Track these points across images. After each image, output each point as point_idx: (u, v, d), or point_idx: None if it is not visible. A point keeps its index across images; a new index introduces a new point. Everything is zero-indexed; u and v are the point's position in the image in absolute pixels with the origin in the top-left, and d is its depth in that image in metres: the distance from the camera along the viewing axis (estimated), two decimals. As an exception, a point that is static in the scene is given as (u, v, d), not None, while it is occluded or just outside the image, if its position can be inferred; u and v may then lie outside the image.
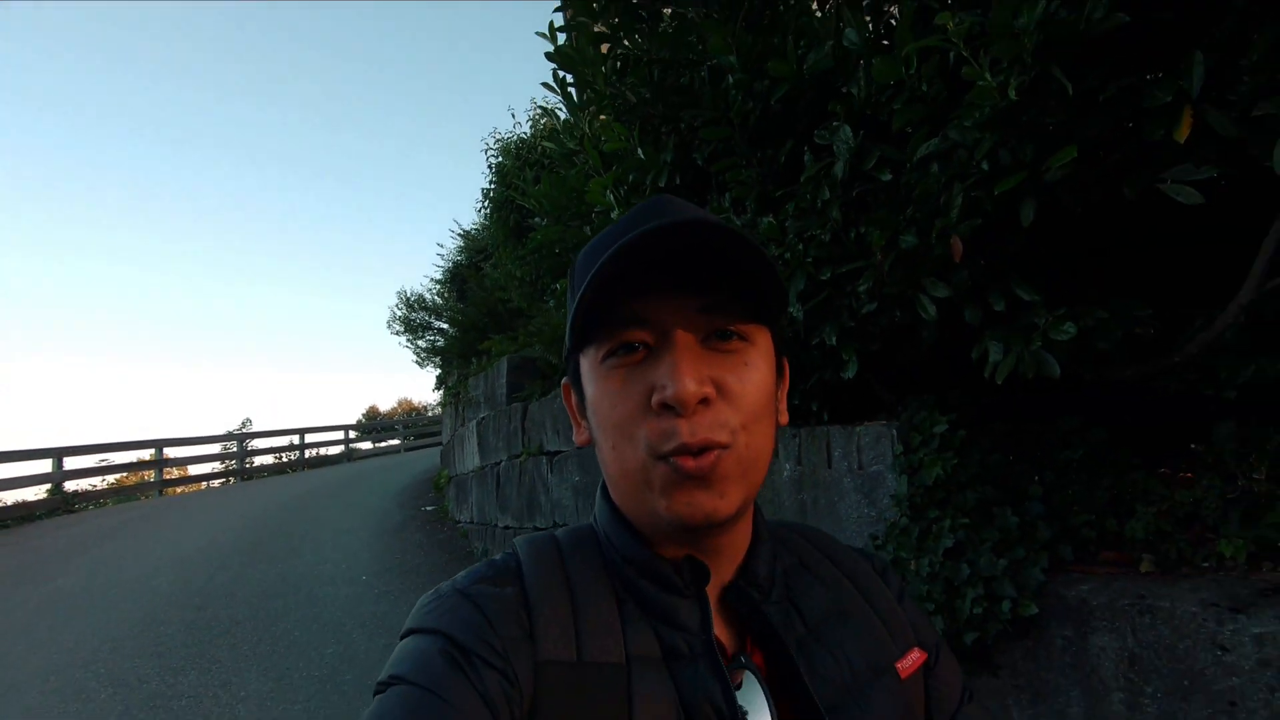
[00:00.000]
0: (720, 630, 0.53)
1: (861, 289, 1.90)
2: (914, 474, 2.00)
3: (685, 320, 0.48)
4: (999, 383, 1.78)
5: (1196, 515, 1.93)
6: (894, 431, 2.12)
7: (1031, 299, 1.76)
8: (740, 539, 0.55)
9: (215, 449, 14.51)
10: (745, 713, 0.48)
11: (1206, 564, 1.80)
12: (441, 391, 9.43)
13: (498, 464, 5.78)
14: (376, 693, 0.46)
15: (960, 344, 1.90)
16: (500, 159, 6.51)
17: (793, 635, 0.53)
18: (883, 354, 2.19)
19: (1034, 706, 1.79)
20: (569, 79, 3.02)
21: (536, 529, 4.97)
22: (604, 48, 2.80)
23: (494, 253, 6.92)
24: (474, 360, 6.99)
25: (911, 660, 0.57)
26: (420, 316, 9.10)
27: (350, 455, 17.18)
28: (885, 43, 2.02)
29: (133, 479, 12.72)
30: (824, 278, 1.97)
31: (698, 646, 0.49)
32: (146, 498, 11.77)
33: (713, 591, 0.53)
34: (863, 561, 0.65)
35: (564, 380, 0.58)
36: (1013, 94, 1.53)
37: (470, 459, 6.75)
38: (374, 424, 22.20)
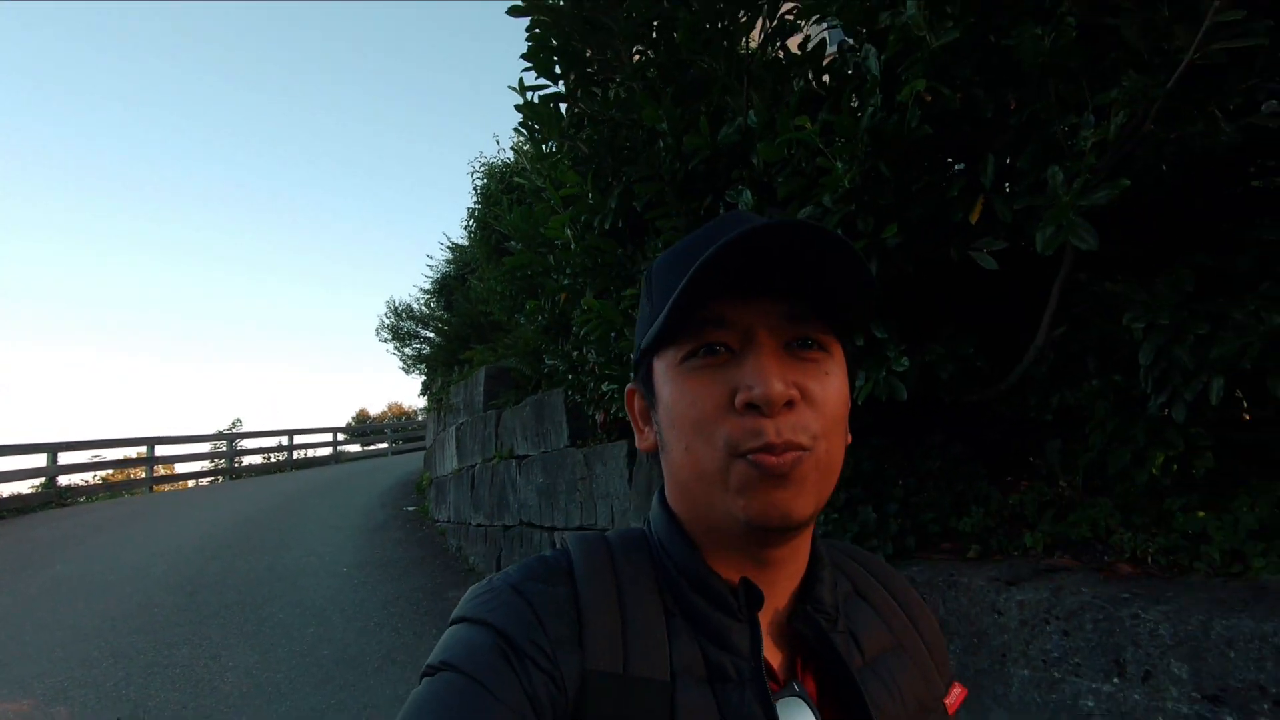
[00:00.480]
0: (771, 653, 0.52)
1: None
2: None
3: (769, 325, 0.49)
4: (859, 404, 2.23)
5: (1020, 514, 2.39)
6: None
7: (883, 337, 2.21)
8: (800, 560, 0.54)
9: (205, 448, 14.81)
10: None
11: (1015, 552, 2.25)
12: (426, 397, 9.83)
13: (473, 466, 6.20)
14: (425, 674, 0.47)
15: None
16: (484, 181, 6.96)
17: (854, 666, 0.53)
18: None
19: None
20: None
21: (505, 526, 5.38)
22: (565, 105, 3.25)
23: (477, 268, 7.36)
24: (456, 368, 7.42)
25: (955, 695, 0.58)
26: (408, 325, 9.53)
27: (338, 457, 17.51)
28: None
29: (123, 476, 13.02)
30: None
31: (745, 671, 0.49)
32: (137, 494, 12.07)
33: (767, 616, 0.53)
34: (913, 590, 0.64)
35: (629, 386, 0.58)
36: (847, 182, 1.99)
37: (449, 462, 7.17)
38: (362, 427, 22.47)
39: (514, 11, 2.93)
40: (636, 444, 0.57)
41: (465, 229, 8.27)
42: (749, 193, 2.45)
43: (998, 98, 1.99)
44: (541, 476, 4.82)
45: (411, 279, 16.07)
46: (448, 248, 9.68)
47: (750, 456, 0.46)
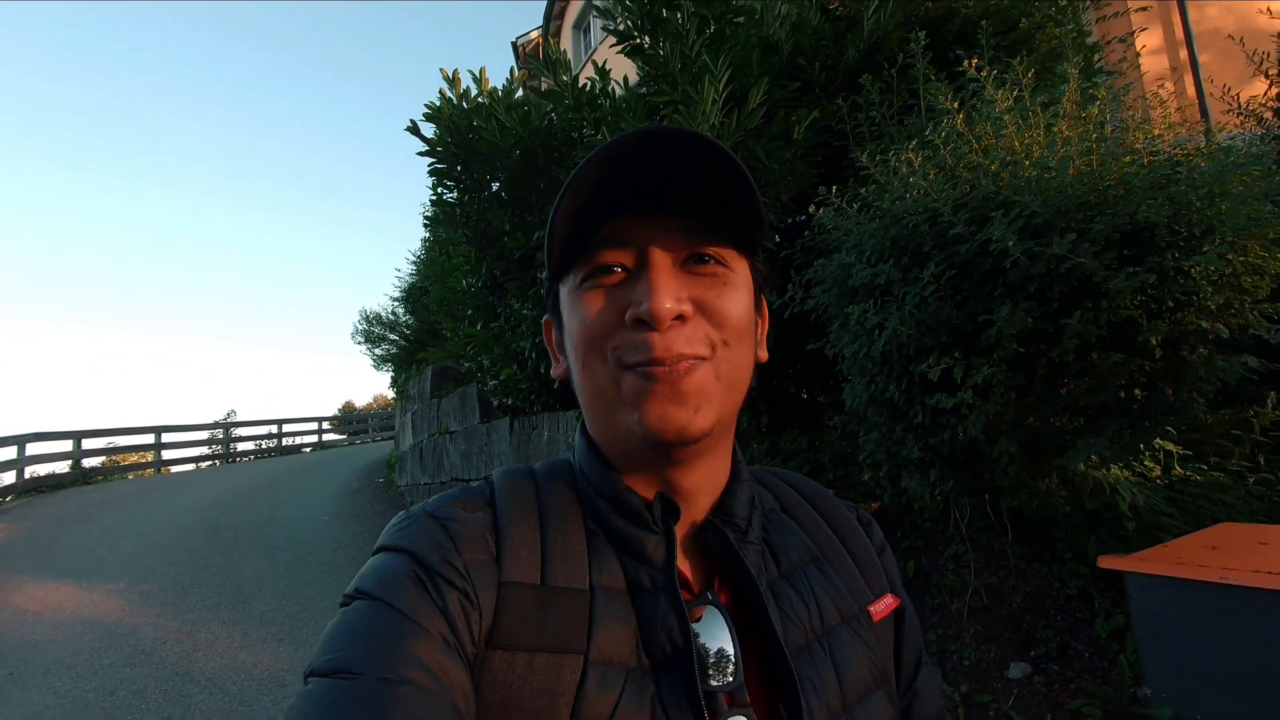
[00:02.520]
0: (688, 567, 0.54)
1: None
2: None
3: (663, 241, 0.49)
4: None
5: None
6: (578, 414, 4.57)
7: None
8: (716, 475, 0.55)
9: (204, 435, 16.66)
10: (703, 645, 0.49)
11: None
12: (394, 390, 11.80)
13: (422, 441, 8.19)
14: (342, 605, 0.47)
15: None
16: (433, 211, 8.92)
17: (764, 578, 0.54)
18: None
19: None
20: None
21: (441, 483, 7.38)
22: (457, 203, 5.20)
23: (430, 286, 9.31)
24: (414, 366, 9.40)
25: (885, 605, 0.58)
26: (378, 330, 11.47)
27: (324, 445, 19.41)
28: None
29: (134, 459, 14.88)
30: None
31: (660, 580, 0.50)
32: (147, 474, 13.94)
33: (683, 528, 0.54)
34: (845, 510, 0.65)
35: (546, 317, 0.60)
36: None
37: (407, 440, 9.16)
38: (347, 416, 24.30)
39: (422, 153, 4.91)
40: (552, 372, 0.59)
41: (424, 246, 10.20)
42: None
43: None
44: (464, 444, 6.82)
45: (390, 280, 18.03)
46: (412, 261, 11.60)
47: (639, 369, 0.47)
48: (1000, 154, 2.20)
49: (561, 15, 15.96)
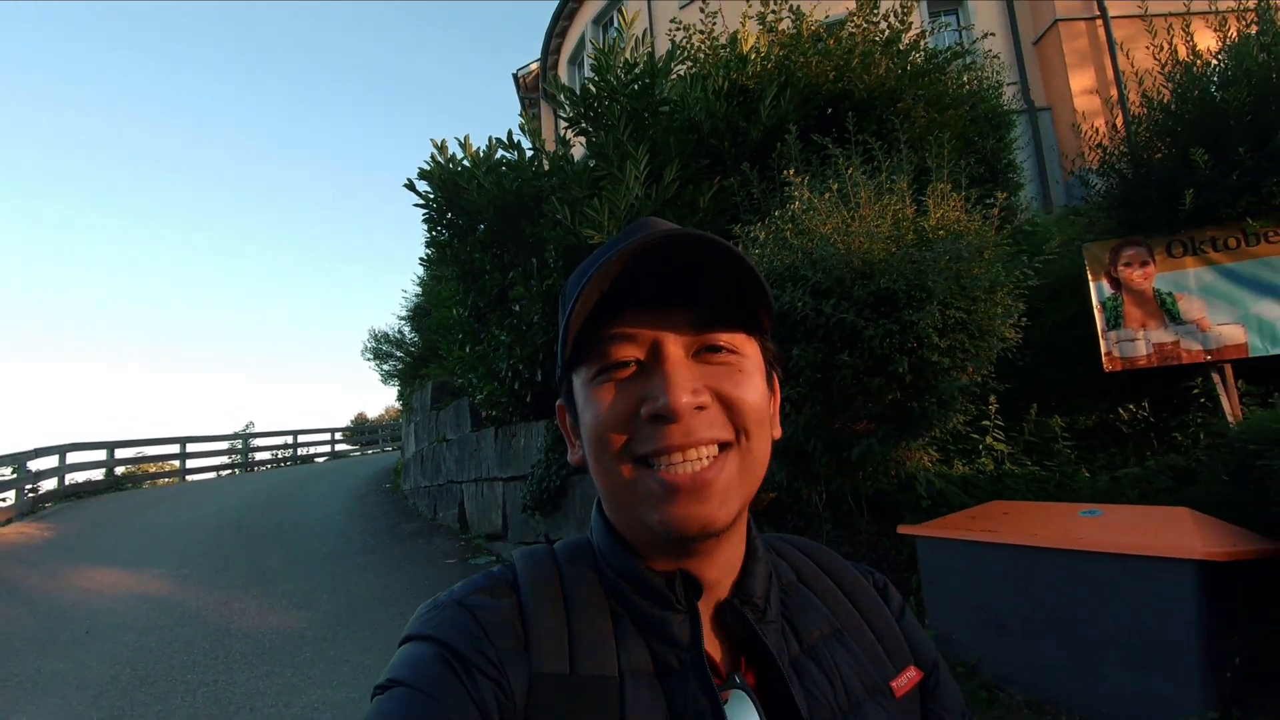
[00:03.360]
0: (714, 648, 0.53)
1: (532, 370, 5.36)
2: (554, 441, 5.40)
3: (675, 333, 0.49)
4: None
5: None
6: (547, 424, 5.51)
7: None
8: (734, 553, 0.55)
9: (224, 446, 17.71)
10: None
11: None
12: (400, 403, 12.79)
13: (423, 449, 9.15)
14: (374, 695, 0.47)
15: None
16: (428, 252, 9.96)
17: (787, 656, 0.53)
18: (544, 393, 5.60)
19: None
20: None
21: (439, 485, 8.33)
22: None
23: (431, 308, 10.32)
24: (417, 381, 10.38)
25: (907, 679, 0.57)
26: (385, 348, 12.48)
27: (336, 454, 20.44)
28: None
29: (160, 468, 15.95)
30: (539, 350, 5.38)
31: (688, 661, 0.49)
32: (173, 482, 14.99)
33: (706, 608, 0.53)
34: (862, 579, 0.64)
35: (559, 401, 0.59)
36: (534, 371, 4.97)
37: (410, 448, 10.12)
38: (359, 428, 25.37)
39: (417, 204, 5.88)
40: (569, 458, 0.58)
41: (426, 272, 11.21)
42: (528, 307, 5.41)
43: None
44: (458, 451, 7.77)
45: (399, 302, 19.10)
46: (417, 283, 12.63)
47: (660, 474, 0.47)
48: (806, 235, 3.13)
49: (558, 50, 17.03)
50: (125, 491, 13.04)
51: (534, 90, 19.40)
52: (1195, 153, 3.58)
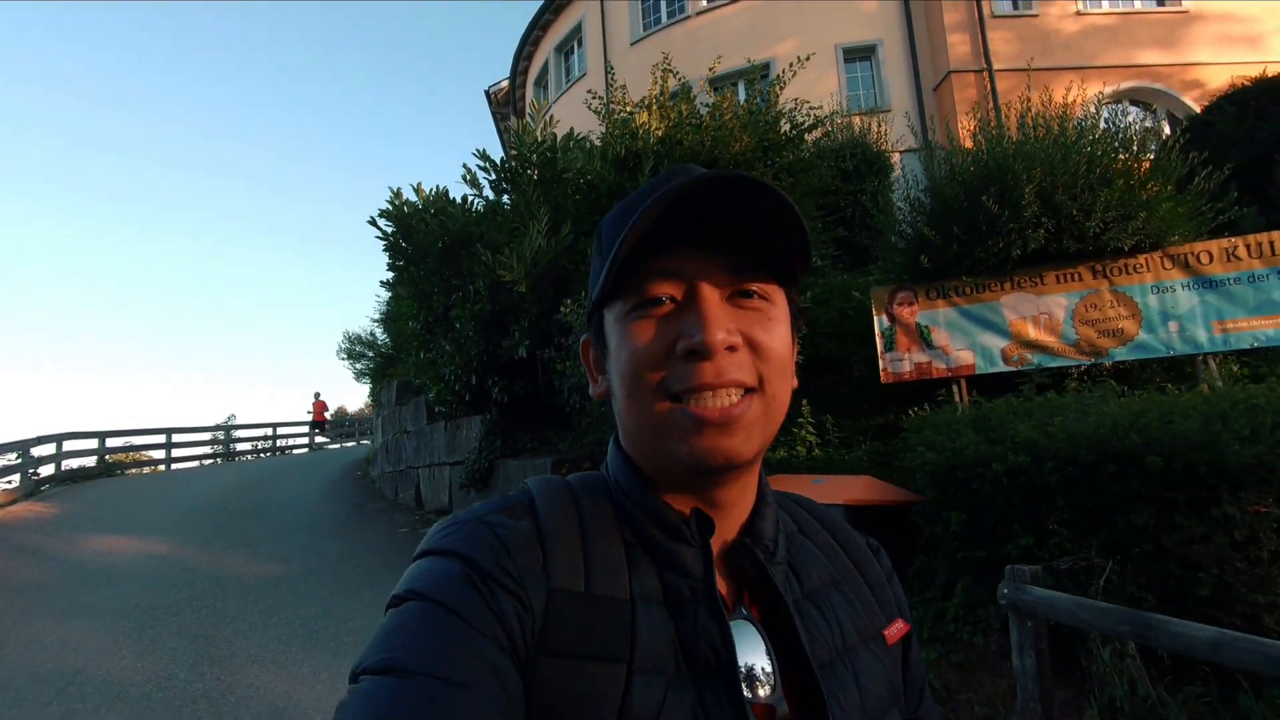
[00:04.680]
0: (720, 584, 0.54)
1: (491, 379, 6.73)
2: (486, 431, 6.76)
3: (712, 276, 0.51)
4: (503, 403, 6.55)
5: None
6: (482, 418, 6.87)
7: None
8: (747, 496, 0.57)
9: (207, 436, 18.81)
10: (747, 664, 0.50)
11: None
12: (371, 399, 14.05)
13: (388, 439, 10.44)
14: (390, 606, 0.48)
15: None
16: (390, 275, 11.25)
17: (790, 596, 0.56)
18: (479, 392, 6.96)
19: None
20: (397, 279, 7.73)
21: (400, 470, 9.62)
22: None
23: (395, 319, 11.60)
24: (384, 379, 11.66)
25: (897, 629, 0.61)
26: (359, 348, 13.72)
27: (315, 446, 21.58)
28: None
29: (147, 456, 17.04)
30: (472, 360, 6.73)
31: (699, 592, 0.51)
32: (159, 470, 16.10)
33: (716, 546, 0.55)
34: (857, 536, 0.68)
35: (584, 337, 0.61)
36: (470, 376, 6.34)
37: (378, 439, 11.41)
38: (339, 421, 26.48)
39: (379, 237, 7.18)
40: (591, 391, 0.59)
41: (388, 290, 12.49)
42: (468, 325, 6.74)
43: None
44: (415, 441, 9.09)
45: (373, 304, 20.33)
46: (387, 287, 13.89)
47: (690, 407, 0.49)
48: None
49: (525, 72, 18.28)
50: (115, 477, 14.17)
51: (505, 105, 20.65)
52: (926, 229, 5.01)
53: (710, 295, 0.51)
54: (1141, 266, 4.94)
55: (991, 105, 11.87)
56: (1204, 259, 4.85)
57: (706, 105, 6.48)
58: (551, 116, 6.23)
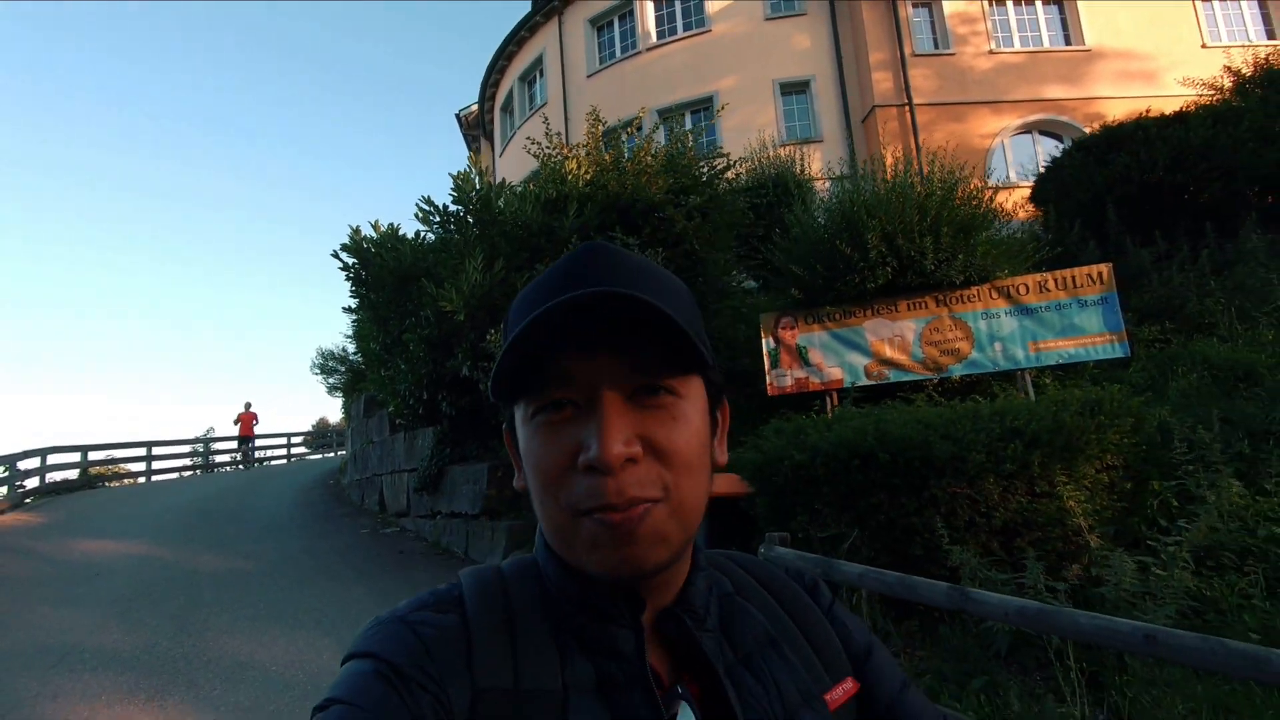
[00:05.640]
0: (657, 659, 0.54)
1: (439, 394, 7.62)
2: (437, 440, 7.64)
3: (612, 378, 0.49)
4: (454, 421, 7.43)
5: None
6: (434, 429, 7.74)
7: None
8: (678, 572, 0.56)
9: (186, 449, 19.42)
10: None
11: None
12: (344, 412, 14.84)
13: (356, 449, 11.25)
14: (314, 713, 0.47)
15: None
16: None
17: (723, 664, 0.54)
18: (430, 406, 7.84)
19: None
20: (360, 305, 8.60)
21: (366, 478, 10.43)
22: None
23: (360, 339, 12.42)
24: (355, 393, 12.47)
25: (842, 691, 0.59)
26: (331, 364, 14.51)
27: (293, 457, 22.23)
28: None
29: (127, 469, 17.65)
30: (423, 378, 7.62)
31: (633, 675, 0.51)
32: (139, 481, 16.72)
33: (649, 619, 0.54)
34: (794, 584, 0.66)
35: (505, 426, 0.59)
36: (422, 392, 7.23)
37: (349, 449, 12.20)
38: (319, 432, 27.10)
39: (341, 268, 8.05)
40: (514, 483, 0.58)
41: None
42: (419, 349, 7.64)
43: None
44: (380, 451, 9.92)
45: (347, 321, 21.09)
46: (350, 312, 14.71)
47: (595, 515, 0.48)
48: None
49: (493, 97, 19.22)
50: (97, 489, 14.81)
51: (474, 128, 21.58)
52: (794, 267, 5.97)
53: (611, 401, 0.49)
54: (974, 296, 5.93)
55: (902, 144, 12.94)
56: (1022, 290, 5.85)
57: (639, 142, 7.42)
58: (487, 167, 7.14)
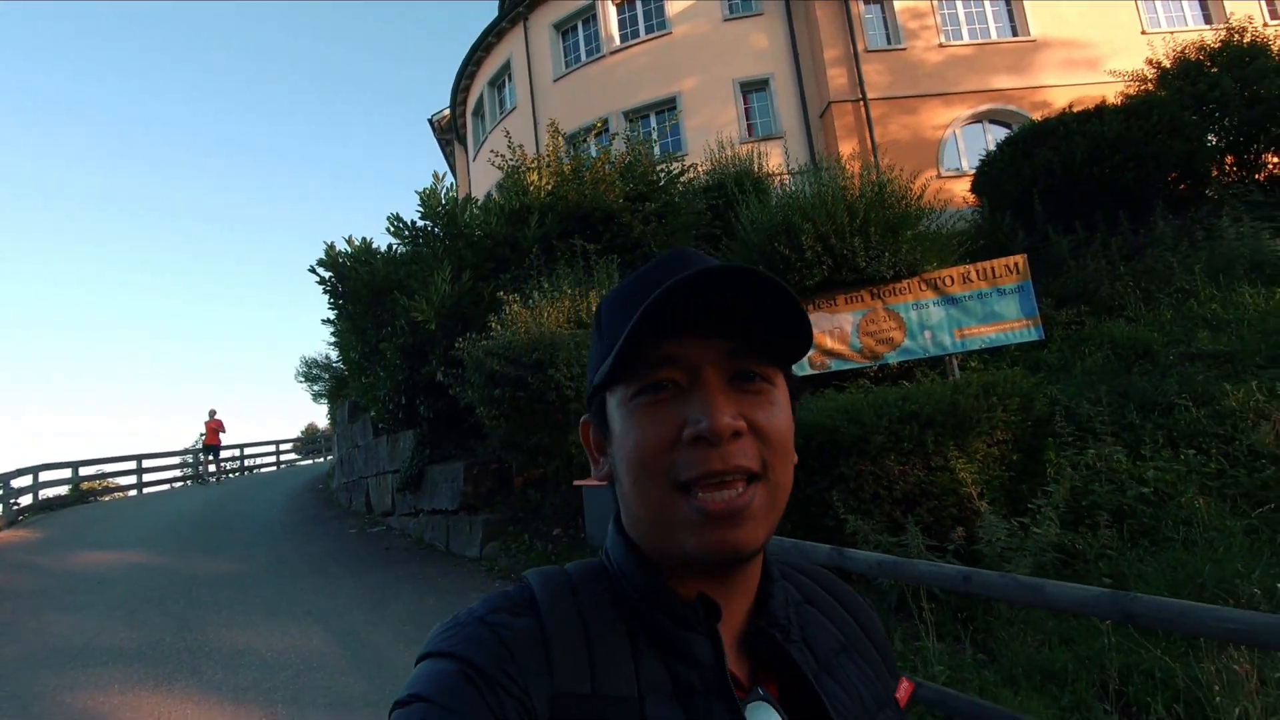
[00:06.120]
0: (735, 665, 0.54)
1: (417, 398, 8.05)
2: (417, 442, 8.08)
3: (715, 361, 0.51)
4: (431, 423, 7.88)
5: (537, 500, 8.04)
6: (414, 431, 8.18)
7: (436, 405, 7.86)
8: (753, 575, 0.57)
9: (176, 460, 19.69)
10: None
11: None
12: (329, 418, 15.22)
13: (343, 453, 11.65)
14: (394, 709, 0.48)
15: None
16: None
17: (809, 672, 0.55)
18: (409, 410, 8.28)
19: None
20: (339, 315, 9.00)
21: (352, 480, 10.85)
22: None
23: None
24: (339, 399, 12.86)
25: (904, 689, 0.62)
26: (316, 371, 14.87)
27: (282, 464, 22.55)
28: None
29: (116, 484, 17.93)
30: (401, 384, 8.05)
31: (711, 681, 0.51)
32: (130, 494, 17.02)
33: (725, 630, 0.54)
34: (855, 594, 0.68)
35: (584, 418, 0.60)
36: (400, 397, 7.67)
37: (335, 454, 12.59)
38: (309, 438, 27.41)
39: (319, 281, 8.45)
40: (594, 474, 0.59)
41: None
42: (392, 354, 8.06)
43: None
44: (365, 454, 10.33)
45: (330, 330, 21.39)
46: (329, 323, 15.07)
47: (696, 500, 0.49)
48: (507, 328, 5.85)
49: (464, 102, 19.49)
50: (89, 504, 15.11)
51: (447, 132, 21.85)
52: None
53: (714, 380, 0.51)
54: (905, 289, 6.43)
55: (858, 137, 13.40)
56: (948, 282, 6.36)
57: (597, 151, 7.86)
58: (454, 184, 7.56)
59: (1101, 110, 7.56)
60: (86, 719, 3.96)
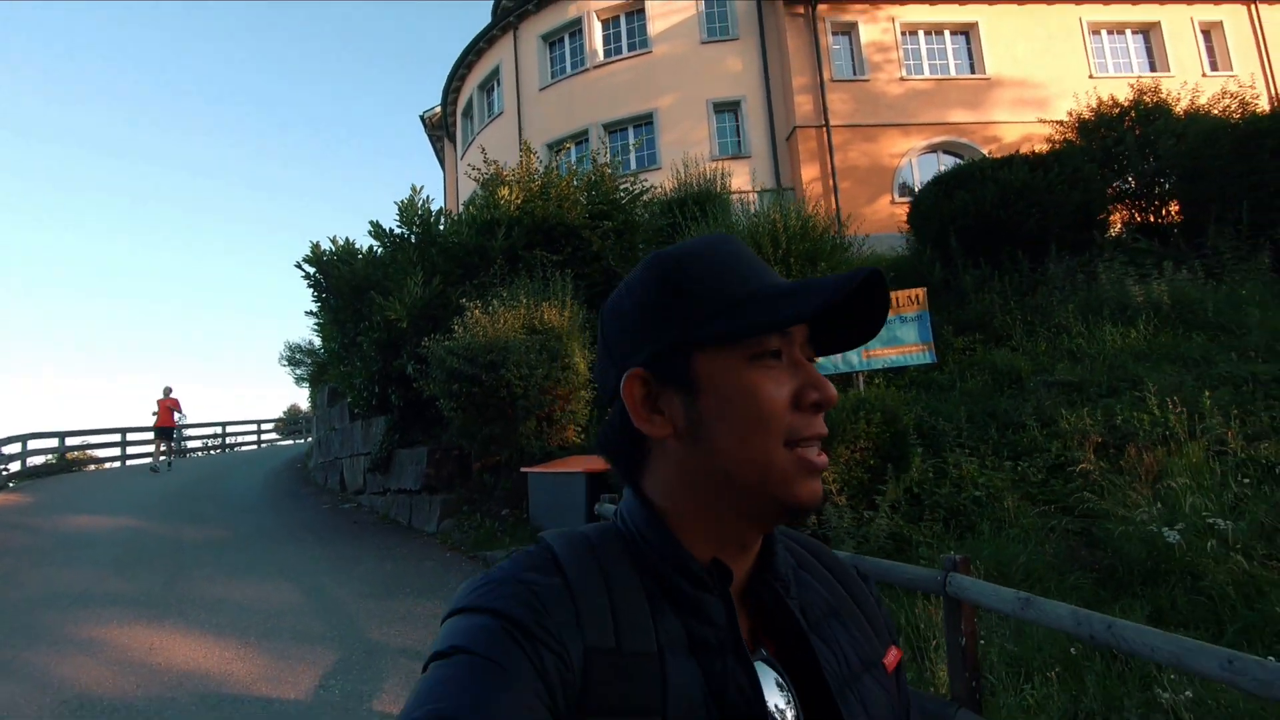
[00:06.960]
0: (741, 623, 0.57)
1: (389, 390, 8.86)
2: (388, 428, 8.88)
3: (803, 340, 0.58)
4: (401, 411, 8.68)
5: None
6: (385, 418, 8.98)
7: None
8: (765, 538, 0.62)
9: (160, 435, 20.31)
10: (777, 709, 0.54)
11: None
12: (310, 401, 15.94)
13: (321, 435, 12.41)
14: (431, 660, 0.49)
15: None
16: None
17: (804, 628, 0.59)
18: (382, 398, 9.09)
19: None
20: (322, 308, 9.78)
21: (329, 461, 11.61)
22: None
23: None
24: (320, 384, 13.60)
25: (893, 656, 0.65)
26: (299, 356, 15.59)
27: (263, 443, 23.20)
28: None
29: (96, 455, 18.55)
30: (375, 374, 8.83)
31: (725, 640, 0.55)
32: (114, 466, 17.65)
33: (737, 589, 0.59)
34: (844, 563, 0.72)
35: (630, 372, 0.59)
36: (374, 386, 8.47)
37: (315, 435, 13.33)
38: (291, 418, 28.03)
39: (304, 276, 9.23)
40: (653, 430, 0.58)
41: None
42: (369, 347, 8.87)
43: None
44: (341, 437, 11.11)
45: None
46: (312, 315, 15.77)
47: (802, 452, 0.54)
48: (469, 331, 6.67)
49: (455, 101, 20.20)
50: (74, 473, 15.75)
51: (438, 129, 22.54)
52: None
53: (809, 357, 0.58)
54: (823, 312, 7.31)
55: (819, 162, 14.25)
56: (859, 308, 7.24)
57: (569, 165, 8.68)
58: (429, 197, 8.37)
59: (1012, 159, 8.47)
60: (90, 645, 4.76)
